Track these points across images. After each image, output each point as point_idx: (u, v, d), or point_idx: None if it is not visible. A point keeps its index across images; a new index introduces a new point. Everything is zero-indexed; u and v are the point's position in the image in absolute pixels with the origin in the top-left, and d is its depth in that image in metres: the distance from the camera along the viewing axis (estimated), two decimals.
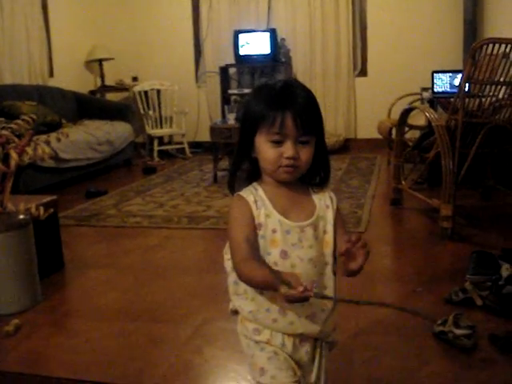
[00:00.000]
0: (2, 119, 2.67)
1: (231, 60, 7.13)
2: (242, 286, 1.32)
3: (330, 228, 1.33)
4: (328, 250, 1.33)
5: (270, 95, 1.27)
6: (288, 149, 1.25)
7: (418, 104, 5.50)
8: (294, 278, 1.09)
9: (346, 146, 7.16)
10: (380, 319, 2.40)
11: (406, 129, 4.60)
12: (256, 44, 6.93)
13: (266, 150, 1.27)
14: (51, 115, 5.65)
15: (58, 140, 2.83)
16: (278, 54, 7.01)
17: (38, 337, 2.35)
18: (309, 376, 1.36)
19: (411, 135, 5.30)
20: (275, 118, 1.23)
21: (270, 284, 1.14)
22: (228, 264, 1.34)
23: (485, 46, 3.20)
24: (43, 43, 6.54)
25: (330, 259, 1.33)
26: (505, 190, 3.98)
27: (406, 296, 2.63)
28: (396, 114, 4.61)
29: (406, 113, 4.15)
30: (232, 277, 1.34)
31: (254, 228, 1.27)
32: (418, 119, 5.16)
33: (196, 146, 7.41)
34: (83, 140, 5.53)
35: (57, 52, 6.84)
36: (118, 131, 6.22)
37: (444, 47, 6.66)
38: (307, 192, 1.35)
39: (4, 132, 2.55)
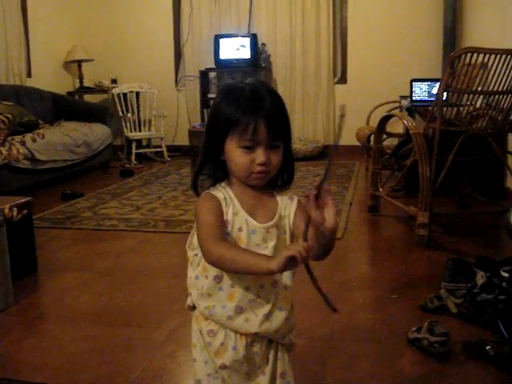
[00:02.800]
0: None
1: (211, 64, 7.12)
2: (201, 282, 1.31)
3: (288, 228, 1.32)
4: None
5: (241, 99, 1.24)
6: (260, 155, 1.23)
7: (396, 112, 5.52)
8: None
9: (325, 152, 7.17)
10: (355, 325, 2.40)
11: (384, 136, 4.62)
12: (236, 49, 6.93)
13: (237, 156, 1.25)
14: (28, 116, 5.59)
15: (34, 140, 2.79)
16: (258, 59, 7.01)
17: (8, 340, 2.32)
18: (261, 378, 1.35)
19: (389, 143, 5.32)
20: (247, 125, 1.21)
21: (255, 261, 1.14)
22: (194, 259, 1.33)
23: (463, 56, 3.22)
24: (21, 43, 6.47)
25: None
26: (481, 199, 4.01)
27: (381, 303, 2.64)
28: (375, 122, 4.62)
29: (385, 120, 4.17)
30: (196, 272, 1.33)
31: (224, 221, 1.27)
32: (396, 127, 5.19)
33: (174, 149, 7.37)
34: (60, 141, 5.48)
35: (35, 52, 6.77)
36: (95, 133, 6.17)
37: (423, 56, 6.72)
38: (271, 193, 1.34)
39: None
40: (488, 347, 2.06)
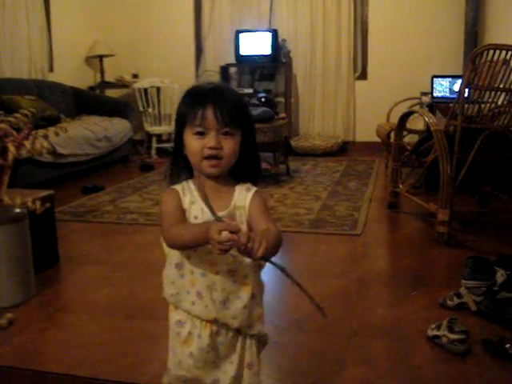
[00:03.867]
0: (1, 112, 2.66)
1: (232, 59, 7.14)
2: (167, 270, 1.41)
3: (245, 218, 1.37)
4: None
5: (196, 94, 1.36)
6: (210, 139, 1.32)
7: (417, 108, 5.50)
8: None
9: (345, 148, 7.16)
10: (374, 322, 2.40)
11: (405, 133, 4.60)
12: (257, 44, 6.93)
13: (190, 142, 1.34)
14: (50, 110, 5.64)
15: (57, 134, 2.82)
16: (279, 54, 7.01)
17: (30, 331, 2.35)
18: (228, 367, 1.40)
19: (409, 139, 5.31)
20: (197, 111, 1.31)
21: (202, 233, 1.19)
22: (167, 251, 1.41)
23: (485, 52, 3.20)
24: (44, 38, 6.52)
25: None
26: (502, 197, 3.99)
27: (401, 299, 2.63)
28: (395, 118, 4.61)
29: (405, 117, 4.15)
30: (166, 262, 1.43)
31: (182, 209, 1.35)
32: (416, 123, 5.17)
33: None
34: (81, 135, 5.52)
35: (57, 47, 6.82)
36: (116, 128, 6.21)
37: (444, 52, 6.67)
38: (233, 185, 1.40)
39: (2, 125, 2.54)
40: (507, 345, 2.05)
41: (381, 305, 2.60)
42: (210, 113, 1.30)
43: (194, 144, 1.33)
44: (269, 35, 6.91)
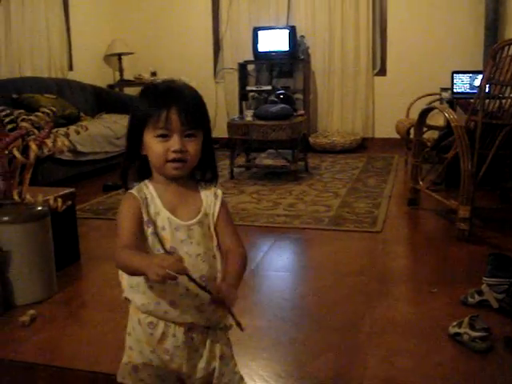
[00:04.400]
0: (22, 111, 2.68)
1: (250, 56, 7.13)
2: (135, 279, 1.35)
3: (212, 224, 1.38)
4: (213, 244, 1.38)
5: (155, 93, 1.33)
6: (175, 142, 1.29)
7: (437, 104, 5.45)
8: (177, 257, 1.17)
9: (364, 145, 7.12)
10: (395, 319, 2.39)
11: (425, 129, 4.57)
12: (275, 41, 6.92)
13: (153, 145, 1.31)
14: (70, 108, 5.68)
15: (78, 133, 2.84)
16: (297, 51, 6.99)
17: (52, 327, 2.37)
18: (199, 362, 1.41)
19: (429, 135, 5.27)
20: (160, 113, 1.28)
21: (142, 267, 1.16)
22: None
23: (506, 47, 3.17)
24: (63, 36, 6.58)
25: (216, 253, 1.39)
26: None
27: (422, 297, 2.62)
28: (414, 114, 4.58)
29: (425, 113, 4.12)
30: None
31: (140, 223, 1.31)
32: (436, 119, 5.12)
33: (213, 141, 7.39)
34: (101, 133, 5.56)
35: (76, 46, 6.88)
36: None
37: (464, 47, 6.61)
38: (196, 188, 1.40)
39: (24, 124, 2.57)
40: None
41: (401, 302, 2.59)
42: (174, 116, 1.28)
43: (157, 147, 1.31)
44: (287, 32, 6.89)
